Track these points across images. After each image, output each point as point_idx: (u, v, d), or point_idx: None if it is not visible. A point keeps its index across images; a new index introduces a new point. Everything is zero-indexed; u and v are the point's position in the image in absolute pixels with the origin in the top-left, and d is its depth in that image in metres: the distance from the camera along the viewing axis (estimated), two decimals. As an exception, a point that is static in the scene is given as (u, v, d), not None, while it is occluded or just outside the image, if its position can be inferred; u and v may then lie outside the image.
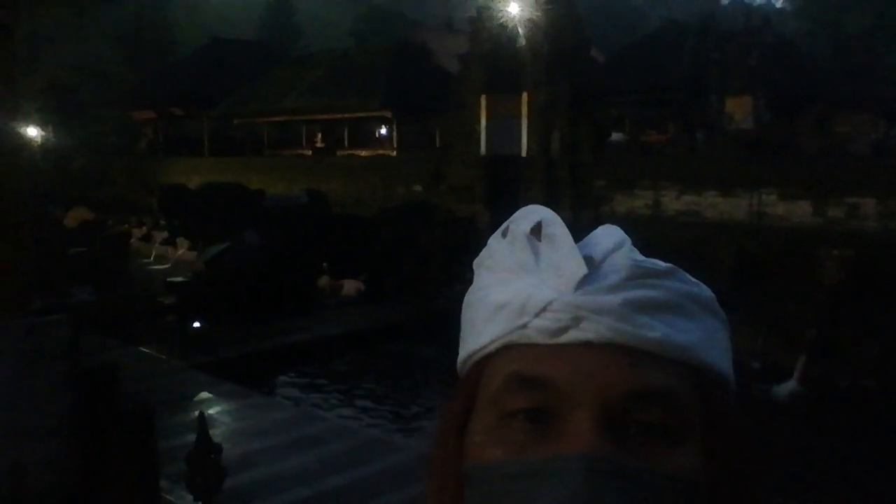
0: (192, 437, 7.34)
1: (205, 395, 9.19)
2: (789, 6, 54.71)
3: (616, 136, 22.13)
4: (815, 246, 12.80)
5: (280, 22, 58.44)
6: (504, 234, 0.68)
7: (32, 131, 32.81)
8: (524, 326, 0.62)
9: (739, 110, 17.87)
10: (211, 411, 8.66)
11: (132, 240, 21.94)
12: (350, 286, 16.39)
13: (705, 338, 0.64)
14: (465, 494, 0.63)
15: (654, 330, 0.60)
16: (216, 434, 7.96)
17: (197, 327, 14.53)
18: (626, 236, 0.69)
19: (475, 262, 0.70)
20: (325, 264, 16.82)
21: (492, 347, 0.64)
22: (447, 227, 16.78)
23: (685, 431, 0.60)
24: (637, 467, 0.56)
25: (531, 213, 0.68)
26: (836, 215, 13.85)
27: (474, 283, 0.69)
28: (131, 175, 32.12)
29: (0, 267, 2.33)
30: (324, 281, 16.74)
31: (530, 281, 0.64)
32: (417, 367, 11.92)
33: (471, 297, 0.69)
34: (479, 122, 19.60)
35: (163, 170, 31.04)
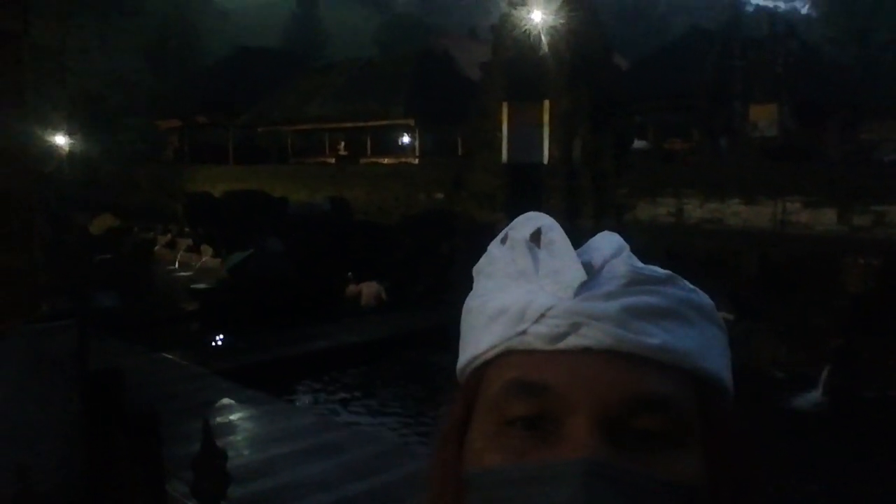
0: (213, 443, 7.43)
1: (226, 401, 9.23)
2: (815, 13, 54.23)
3: (639, 143, 22.05)
4: (840, 254, 12.66)
5: (305, 31, 58.90)
6: (503, 241, 0.69)
7: (61, 139, 33.28)
8: (523, 333, 0.62)
9: (764, 117, 17.72)
10: (232, 417, 8.71)
11: (157, 247, 22.13)
12: (371, 293, 16.42)
13: (704, 344, 0.65)
14: (465, 500, 0.63)
15: (653, 336, 0.61)
16: (237, 440, 8.04)
17: (221, 337, 14.64)
18: (624, 243, 0.69)
19: (475, 269, 0.70)
20: (350, 273, 16.86)
21: (491, 354, 0.64)
22: (468, 235, 16.79)
23: (684, 438, 0.60)
24: (636, 473, 0.56)
25: (530, 220, 0.68)
26: (862, 223, 13.70)
27: (474, 289, 0.70)
28: (157, 183, 32.45)
29: (9, 273, 2.36)
30: (351, 289, 16.78)
31: (529, 287, 0.64)
32: (438, 375, 11.91)
33: (470, 303, 0.69)
34: (500, 129, 19.61)
35: (188, 178, 31.33)
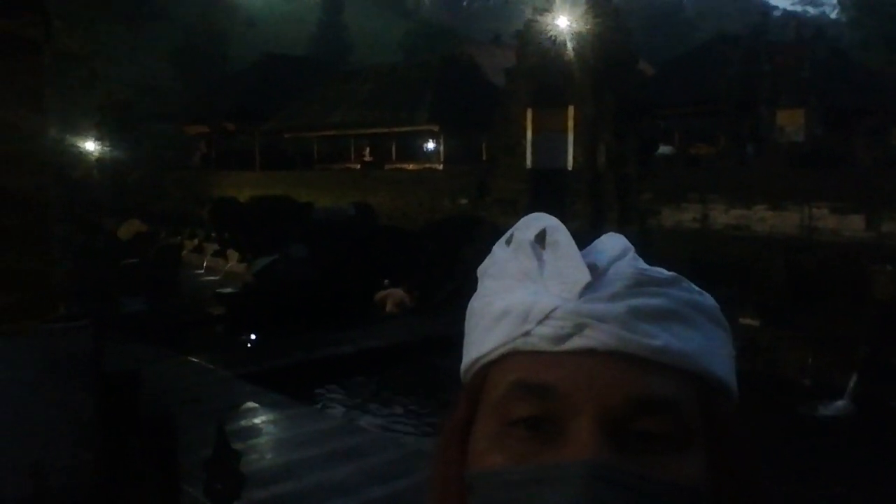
0: (236, 446, 7.48)
1: (250, 404, 9.30)
2: (844, 17, 53.63)
3: (665, 148, 21.93)
4: (868, 261, 12.51)
5: (331, 38, 59.27)
6: (508, 242, 0.69)
7: (90, 145, 33.75)
8: (528, 334, 0.62)
9: (791, 123, 17.54)
10: (256, 421, 8.77)
11: (184, 251, 22.33)
12: (395, 300, 16.46)
13: (708, 347, 0.64)
14: (468, 501, 0.63)
15: (657, 338, 0.61)
16: (261, 443, 8.09)
17: (246, 339, 14.74)
18: (629, 244, 0.69)
19: (479, 270, 0.71)
20: (386, 280, 16.91)
21: (495, 354, 0.64)
22: (492, 241, 16.77)
23: (687, 440, 0.60)
24: (638, 475, 0.56)
25: (535, 221, 0.68)
26: (890, 230, 13.52)
27: (478, 290, 0.70)
28: (184, 188, 32.77)
29: (26, 275, 2.41)
30: (380, 295, 16.83)
31: (534, 288, 0.64)
32: (460, 380, 11.91)
33: (475, 304, 0.69)
34: (524, 135, 19.61)
35: (215, 183, 31.61)
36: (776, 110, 17.85)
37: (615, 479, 0.55)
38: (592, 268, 0.63)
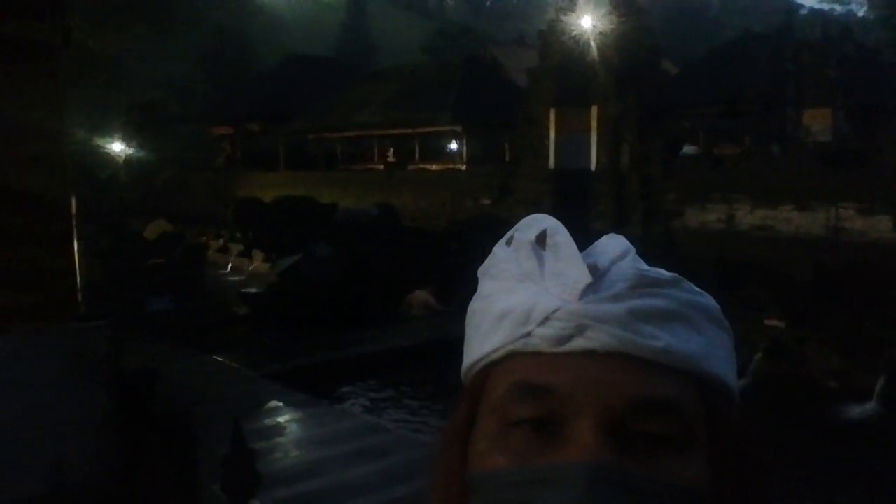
0: (259, 445, 7.55)
1: (274, 403, 9.37)
2: (872, 15, 52.94)
3: (689, 148, 21.79)
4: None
5: (355, 39, 59.52)
6: (509, 243, 0.69)
7: (117, 147, 34.13)
8: (528, 335, 0.61)
9: (817, 122, 17.37)
10: (280, 420, 8.84)
11: (209, 251, 22.48)
12: (420, 301, 16.50)
13: (709, 348, 0.64)
14: (469, 502, 0.63)
15: (659, 339, 0.60)
16: (284, 442, 8.15)
17: (270, 339, 14.83)
18: (630, 245, 0.68)
19: (479, 270, 0.70)
20: (417, 283, 16.93)
21: (496, 356, 0.64)
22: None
23: (689, 441, 0.60)
24: (640, 476, 0.56)
25: (536, 222, 0.68)
26: (919, 231, 13.34)
27: (479, 291, 0.69)
28: (210, 188, 33.01)
29: (49, 274, 2.46)
30: (413, 295, 16.87)
31: (535, 289, 0.63)
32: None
33: (475, 305, 0.69)
34: (547, 135, 19.56)
35: (240, 183, 31.81)
36: (802, 110, 17.69)
37: (616, 481, 0.55)
38: (593, 269, 0.63)
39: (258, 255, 21.61)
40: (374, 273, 16.71)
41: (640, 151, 17.76)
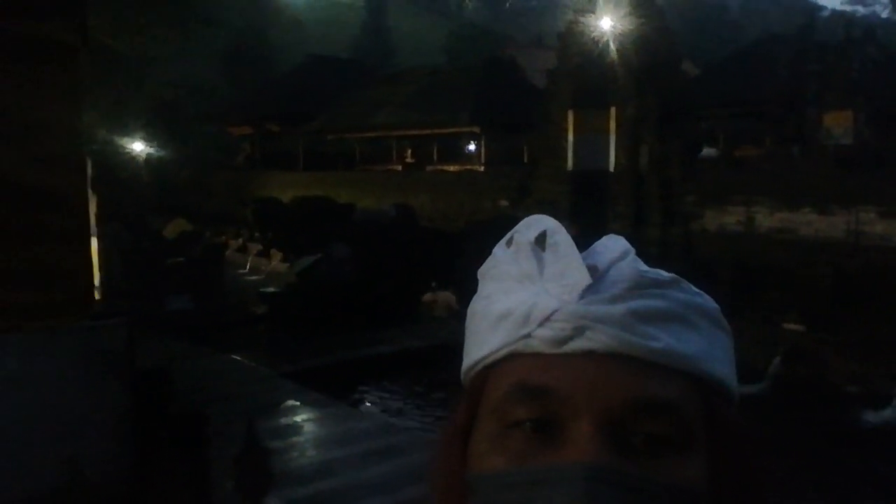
0: (275, 444, 7.59)
1: (291, 402, 9.42)
2: (896, 16, 52.42)
3: (708, 150, 21.66)
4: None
5: (374, 40, 59.65)
6: (509, 244, 0.69)
7: (138, 146, 34.39)
8: (528, 336, 0.62)
9: (838, 125, 17.19)
10: (297, 419, 8.88)
11: (228, 251, 22.60)
12: (444, 303, 16.51)
13: (709, 349, 0.64)
14: (469, 503, 0.63)
15: (658, 340, 0.60)
16: (301, 441, 8.19)
17: (287, 338, 14.89)
18: (630, 246, 0.68)
19: (479, 271, 0.71)
20: (433, 283, 16.97)
21: (495, 356, 0.64)
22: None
23: (688, 442, 0.60)
24: (639, 477, 0.56)
25: (536, 223, 0.68)
26: (942, 235, 13.19)
27: (479, 292, 0.70)
28: (229, 188, 33.20)
29: (65, 272, 2.49)
30: (428, 297, 16.89)
31: (534, 290, 0.64)
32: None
33: (475, 306, 0.69)
34: (566, 136, 19.50)
35: (259, 183, 31.97)
36: (823, 112, 17.52)
37: (615, 482, 0.55)
38: (593, 269, 0.63)
39: (276, 254, 21.72)
40: (392, 273, 16.75)
41: (660, 153, 17.68)
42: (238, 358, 11.61)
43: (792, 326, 11.88)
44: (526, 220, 0.70)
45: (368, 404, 11.26)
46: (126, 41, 24.47)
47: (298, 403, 9.38)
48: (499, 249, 0.70)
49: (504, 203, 20.76)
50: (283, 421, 8.73)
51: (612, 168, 18.60)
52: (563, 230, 0.66)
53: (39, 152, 2.43)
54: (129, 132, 33.58)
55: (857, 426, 10.13)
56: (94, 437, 2.53)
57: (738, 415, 0.67)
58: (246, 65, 49.20)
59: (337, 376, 11.38)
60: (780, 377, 11.48)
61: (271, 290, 16.72)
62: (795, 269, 13.52)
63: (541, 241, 0.66)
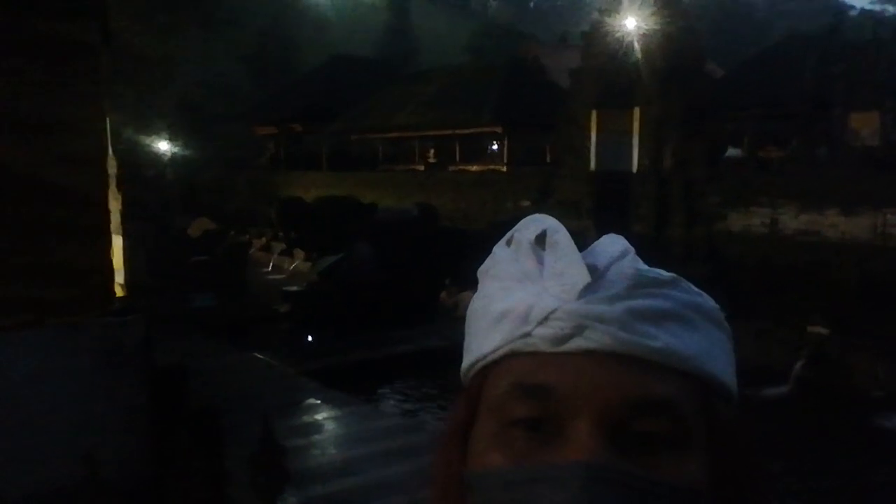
0: (297, 441, 7.63)
1: (312, 401, 9.47)
2: (927, 16, 51.68)
3: (733, 151, 21.50)
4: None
5: (397, 40, 59.76)
6: (508, 243, 0.69)
7: (163, 145, 34.72)
8: (528, 335, 0.62)
9: (865, 126, 17.00)
10: (318, 417, 8.93)
11: (252, 250, 22.76)
12: (467, 300, 16.51)
13: (708, 348, 0.64)
14: (467, 501, 0.63)
15: (657, 339, 0.60)
16: (321, 439, 8.24)
17: (309, 337, 14.97)
18: (629, 245, 0.68)
19: (479, 271, 0.70)
20: (447, 281, 17.00)
21: (495, 355, 0.64)
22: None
23: (687, 441, 0.60)
24: (637, 476, 0.56)
25: (536, 222, 0.68)
26: (970, 237, 12.99)
27: (479, 291, 0.70)
28: (253, 188, 33.42)
29: (85, 270, 2.52)
30: (444, 296, 16.92)
31: (534, 289, 0.64)
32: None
33: (475, 305, 0.69)
34: (589, 137, 19.44)
35: (282, 183, 32.15)
36: (850, 113, 17.34)
37: (614, 480, 0.55)
38: (592, 269, 0.63)
39: (300, 253, 21.84)
40: (413, 273, 16.79)
41: (683, 154, 17.56)
42: (260, 356, 11.70)
43: (816, 329, 11.75)
44: (526, 219, 0.70)
45: (389, 403, 11.29)
46: (153, 42, 24.73)
47: (319, 402, 9.43)
48: (499, 248, 0.70)
49: (526, 203, 20.72)
50: (304, 419, 8.78)
51: (634, 169, 18.51)
52: (563, 229, 0.66)
53: (60, 151, 2.47)
54: (154, 132, 33.91)
55: (882, 430, 10.00)
56: (112, 433, 2.57)
57: (736, 414, 0.66)
58: (270, 65, 49.50)
59: (358, 375, 11.43)
60: (804, 380, 11.37)
61: (294, 288, 16.82)
62: (820, 271, 13.38)
63: (541, 240, 0.66)
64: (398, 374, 12.11)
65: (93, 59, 2.43)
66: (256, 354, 11.78)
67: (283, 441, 7.05)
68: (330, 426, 8.74)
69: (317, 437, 8.28)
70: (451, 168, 29.89)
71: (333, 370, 11.31)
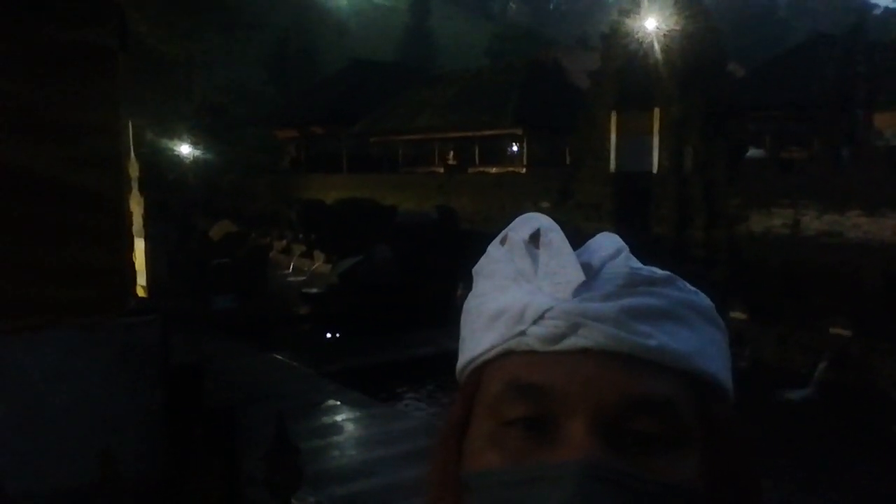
0: (316, 443, 7.67)
1: (331, 402, 9.50)
2: (953, 14, 51.02)
3: (755, 152, 21.33)
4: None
5: (418, 43, 59.93)
6: (503, 242, 0.69)
7: (185, 149, 35.00)
8: (522, 334, 0.62)
9: (889, 126, 16.85)
10: (337, 418, 8.96)
11: (273, 252, 22.87)
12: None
13: (703, 346, 0.64)
14: (464, 501, 0.63)
15: (652, 338, 0.60)
16: (341, 440, 8.26)
17: (329, 338, 15.02)
18: (624, 244, 0.68)
19: (474, 270, 0.71)
20: (461, 283, 17.00)
21: (490, 354, 0.64)
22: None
23: (683, 440, 0.60)
24: (633, 474, 0.56)
25: (530, 221, 0.68)
26: None
27: (473, 290, 0.70)
28: (274, 190, 33.61)
29: (101, 270, 2.56)
30: (460, 293, 16.92)
31: (528, 288, 0.64)
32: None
33: (470, 304, 0.69)
34: (609, 138, 19.38)
35: (303, 186, 32.31)
36: (873, 112, 17.18)
37: (609, 479, 0.55)
38: (587, 267, 0.63)
39: (320, 256, 21.92)
40: (433, 275, 16.80)
41: (704, 155, 17.46)
42: (280, 357, 11.76)
43: (839, 331, 11.63)
44: (520, 218, 0.70)
45: (408, 405, 11.31)
46: (175, 46, 24.93)
47: (339, 403, 9.45)
48: (493, 248, 0.70)
49: (546, 205, 20.68)
50: (324, 420, 8.81)
51: (655, 170, 18.42)
52: (558, 228, 0.66)
53: (77, 154, 2.51)
54: (177, 135, 34.19)
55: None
56: (129, 432, 2.60)
57: (732, 412, 0.66)
58: (291, 69, 49.80)
59: (378, 376, 11.45)
60: (826, 383, 11.26)
61: (314, 290, 16.89)
62: (843, 272, 13.24)
63: (535, 239, 0.66)
64: (418, 376, 12.11)
65: (111, 64, 2.47)
66: (276, 355, 11.84)
67: (302, 442, 7.10)
68: (349, 427, 8.77)
69: (336, 438, 8.31)
70: (471, 170, 29.91)
71: (353, 371, 11.34)
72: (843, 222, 14.79)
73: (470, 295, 0.70)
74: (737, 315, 12.11)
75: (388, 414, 9.49)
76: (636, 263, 0.66)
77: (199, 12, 24.45)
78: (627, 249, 0.68)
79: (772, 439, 9.24)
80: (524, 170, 27.38)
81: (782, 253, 15.02)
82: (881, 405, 10.62)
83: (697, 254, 15.43)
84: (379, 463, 7.42)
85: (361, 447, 8.12)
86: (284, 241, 24.77)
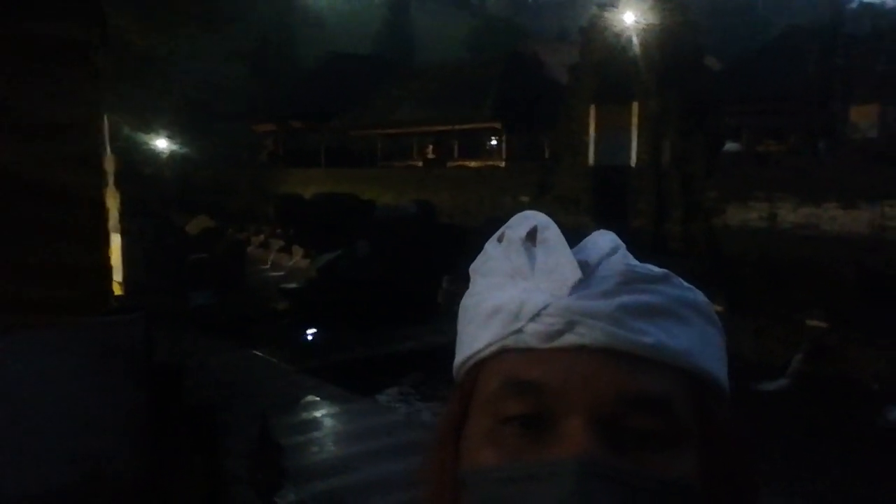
0: (296, 439, 7.64)
1: (311, 398, 9.47)
2: (926, 8, 51.59)
3: (731, 145, 21.49)
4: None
5: (396, 36, 59.72)
6: (500, 240, 0.69)
7: (162, 143, 34.68)
8: (519, 331, 0.62)
9: (865, 119, 16.99)
10: (316, 414, 8.94)
11: (250, 247, 22.75)
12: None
13: (700, 343, 0.64)
14: (461, 499, 0.63)
15: (649, 335, 0.60)
16: (321, 436, 8.24)
17: (308, 334, 14.97)
18: (620, 241, 0.68)
19: (471, 268, 0.71)
20: (445, 278, 17.01)
21: (487, 352, 0.64)
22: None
23: (679, 436, 0.60)
24: (630, 471, 0.56)
25: (526, 219, 0.68)
26: (969, 230, 12.99)
27: (470, 288, 0.70)
28: (252, 185, 33.41)
29: (81, 269, 2.53)
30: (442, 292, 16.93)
31: (525, 286, 0.64)
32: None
33: (467, 301, 0.69)
34: (587, 132, 19.45)
35: (281, 180, 32.14)
36: (849, 106, 17.34)
37: (607, 476, 0.55)
38: (583, 265, 0.63)
39: (298, 250, 21.84)
40: (412, 270, 16.78)
41: (682, 148, 17.56)
42: (259, 353, 11.70)
43: (815, 323, 11.75)
44: (517, 215, 0.70)
45: (389, 400, 11.30)
46: (152, 40, 24.66)
47: (319, 399, 9.43)
48: (490, 245, 0.70)
49: (525, 199, 20.71)
50: (304, 416, 8.78)
51: (633, 164, 18.51)
52: (554, 226, 0.66)
53: (55, 151, 2.47)
54: (153, 129, 33.86)
55: (881, 424, 10.01)
56: (111, 432, 2.57)
57: (729, 409, 0.66)
58: (269, 63, 49.44)
59: (358, 372, 11.43)
60: (802, 374, 11.38)
61: (292, 286, 16.82)
62: (819, 265, 13.37)
63: (531, 236, 0.66)
64: (398, 371, 12.11)
65: (89, 59, 2.43)
66: (255, 352, 11.78)
67: (282, 438, 7.07)
68: (330, 423, 8.75)
69: (316, 433, 8.28)
70: (450, 164, 29.90)
71: (333, 367, 11.31)
72: (820, 215, 14.94)
73: (467, 293, 0.70)
74: (714, 308, 12.18)
75: (369, 409, 9.48)
76: (633, 261, 0.66)
77: (178, 6, 24.20)
78: (624, 247, 0.68)
79: (746, 429, 9.32)
80: (503, 164, 27.40)
81: (759, 246, 15.14)
82: (857, 395, 10.76)
83: (675, 247, 15.53)
84: (359, 458, 7.41)
85: (342, 443, 8.10)
86: (262, 236, 24.64)
